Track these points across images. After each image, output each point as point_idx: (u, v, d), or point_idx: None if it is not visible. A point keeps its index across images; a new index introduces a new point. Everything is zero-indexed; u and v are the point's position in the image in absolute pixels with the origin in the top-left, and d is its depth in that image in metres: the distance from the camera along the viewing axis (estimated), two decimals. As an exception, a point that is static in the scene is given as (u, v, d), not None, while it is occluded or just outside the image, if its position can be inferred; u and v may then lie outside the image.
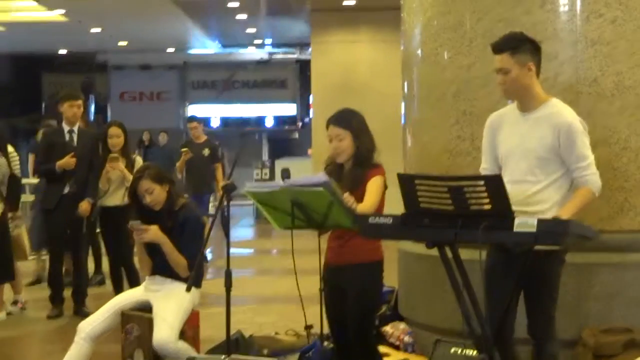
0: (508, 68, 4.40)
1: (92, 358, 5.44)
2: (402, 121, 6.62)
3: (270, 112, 27.98)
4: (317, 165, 12.04)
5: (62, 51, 25.74)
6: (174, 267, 5.44)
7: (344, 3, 16.71)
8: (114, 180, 8.16)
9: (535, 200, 4.37)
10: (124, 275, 8.25)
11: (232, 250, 4.85)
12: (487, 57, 4.84)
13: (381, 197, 4.72)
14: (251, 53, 27.14)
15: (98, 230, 9.20)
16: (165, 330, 5.23)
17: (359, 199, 4.58)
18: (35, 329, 7.99)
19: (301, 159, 21.18)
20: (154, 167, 5.66)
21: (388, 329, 6.27)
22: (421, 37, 6.19)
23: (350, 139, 4.79)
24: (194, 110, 26.56)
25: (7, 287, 8.29)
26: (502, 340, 4.32)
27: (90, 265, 9.61)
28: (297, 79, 27.73)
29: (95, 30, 20.65)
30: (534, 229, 3.73)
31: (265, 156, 26.60)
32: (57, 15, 18.20)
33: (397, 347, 6.14)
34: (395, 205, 4.24)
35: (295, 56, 26.60)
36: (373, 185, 4.70)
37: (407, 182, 4.02)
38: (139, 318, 5.48)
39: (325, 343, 5.28)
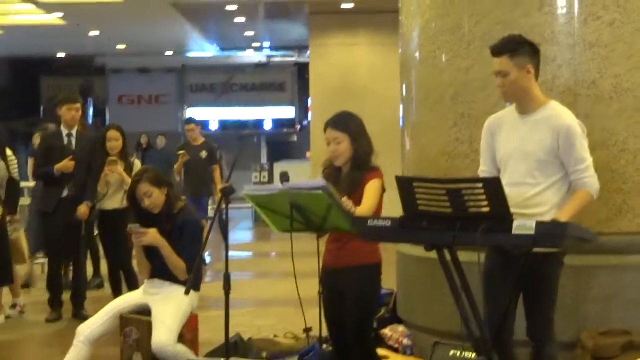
0: (507, 71, 4.41)
1: (91, 361, 5.45)
2: (401, 124, 6.62)
3: (268, 115, 27.94)
4: (316, 168, 12.03)
5: (61, 54, 25.71)
6: (172, 270, 5.45)
7: (343, 6, 16.70)
8: (113, 184, 8.15)
9: (534, 202, 4.38)
10: (123, 279, 8.25)
11: (230, 253, 4.85)
12: (486, 59, 4.85)
13: (379, 200, 4.73)
14: (250, 56, 27.12)
15: (96, 233, 9.18)
16: (164, 333, 5.23)
17: (357, 202, 4.59)
18: (34, 333, 7.98)
19: (300, 162, 21.18)
20: (153, 171, 5.67)
21: (387, 331, 6.26)
22: (419, 40, 6.19)
23: (348, 142, 4.79)
24: (193, 113, 26.55)
25: (5, 290, 8.28)
26: (502, 342, 4.32)
27: (89, 269, 9.61)
28: (295, 82, 27.69)
29: (94, 33, 20.62)
30: (532, 232, 3.74)
31: (264, 159, 26.58)
32: (55, 18, 18.17)
33: (396, 350, 6.13)
34: (393, 208, 4.24)
35: (293, 59, 26.57)
36: (371, 189, 4.71)
37: (405, 185, 4.03)
38: (137, 321, 5.48)
39: (324, 346, 5.28)
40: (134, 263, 6.76)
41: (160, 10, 17.21)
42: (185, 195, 10.72)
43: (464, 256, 4.07)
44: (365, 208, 4.60)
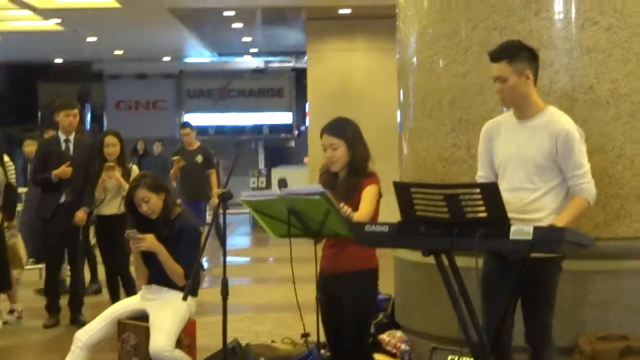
0: (506, 76, 4.41)
1: (89, 367, 5.44)
2: (398, 129, 6.62)
3: (266, 120, 27.96)
4: (314, 173, 12.04)
5: (58, 60, 25.71)
6: (170, 275, 5.44)
7: (340, 11, 16.72)
8: (110, 189, 8.15)
9: (532, 208, 4.38)
10: (121, 284, 8.25)
11: (228, 258, 4.84)
12: (483, 65, 4.86)
13: (376, 205, 4.73)
14: (247, 62, 27.12)
15: (94, 241, 9.18)
16: (161, 339, 5.22)
17: (354, 207, 4.59)
18: (31, 338, 7.97)
19: (297, 167, 21.16)
20: (151, 176, 5.66)
21: (384, 337, 6.26)
22: (417, 45, 6.20)
23: (344, 147, 4.80)
24: (190, 119, 26.53)
25: (3, 296, 8.28)
26: (500, 348, 4.32)
27: (87, 274, 9.60)
28: (293, 88, 27.70)
29: (91, 39, 20.62)
30: (529, 237, 3.73)
31: (261, 165, 26.57)
32: (52, 24, 18.18)
33: (393, 355, 6.13)
34: (391, 214, 4.24)
35: (291, 65, 26.59)
36: (368, 194, 4.71)
37: (403, 190, 4.03)
38: (135, 327, 5.47)
39: (322, 351, 5.28)
40: (132, 269, 6.76)
41: (158, 16, 17.22)
42: (182, 200, 10.74)
43: (461, 261, 4.06)
44: (362, 214, 4.60)
